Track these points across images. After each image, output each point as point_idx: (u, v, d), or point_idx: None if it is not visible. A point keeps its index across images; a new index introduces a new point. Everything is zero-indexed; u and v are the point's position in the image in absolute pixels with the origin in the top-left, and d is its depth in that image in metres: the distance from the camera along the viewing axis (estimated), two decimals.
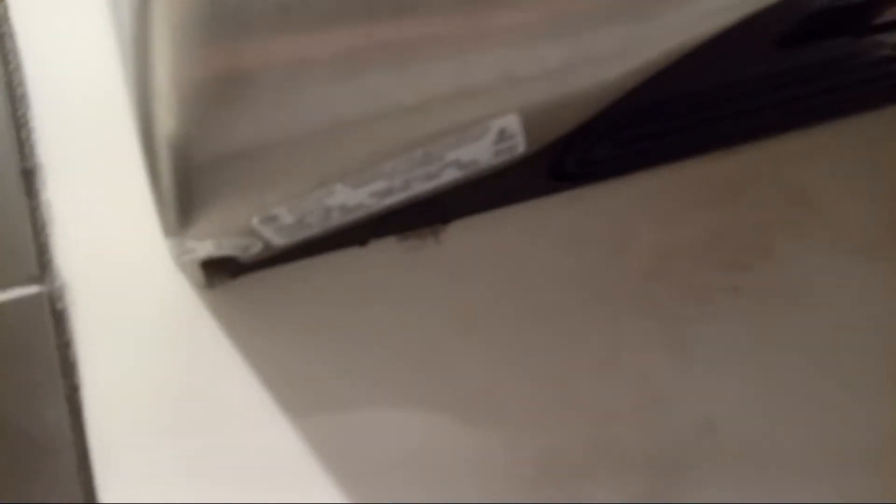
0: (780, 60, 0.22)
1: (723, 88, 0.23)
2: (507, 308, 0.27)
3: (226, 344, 0.25)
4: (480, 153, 0.21)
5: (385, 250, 0.27)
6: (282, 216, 0.21)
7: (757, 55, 0.22)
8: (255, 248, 0.22)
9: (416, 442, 0.24)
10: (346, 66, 0.18)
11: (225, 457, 0.23)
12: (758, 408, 0.26)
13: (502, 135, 0.21)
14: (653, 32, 0.19)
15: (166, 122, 0.18)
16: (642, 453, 0.25)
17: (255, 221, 0.21)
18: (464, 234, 0.27)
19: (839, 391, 0.27)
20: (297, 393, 0.24)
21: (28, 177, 0.26)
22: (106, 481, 0.22)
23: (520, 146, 0.21)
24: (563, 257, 0.27)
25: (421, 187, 0.22)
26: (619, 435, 0.25)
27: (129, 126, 0.19)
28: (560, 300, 0.27)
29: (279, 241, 0.22)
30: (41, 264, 0.25)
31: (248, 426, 0.24)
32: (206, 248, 0.21)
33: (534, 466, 0.24)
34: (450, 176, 0.22)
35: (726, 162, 0.29)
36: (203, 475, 0.23)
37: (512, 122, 0.20)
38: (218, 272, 0.24)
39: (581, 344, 0.26)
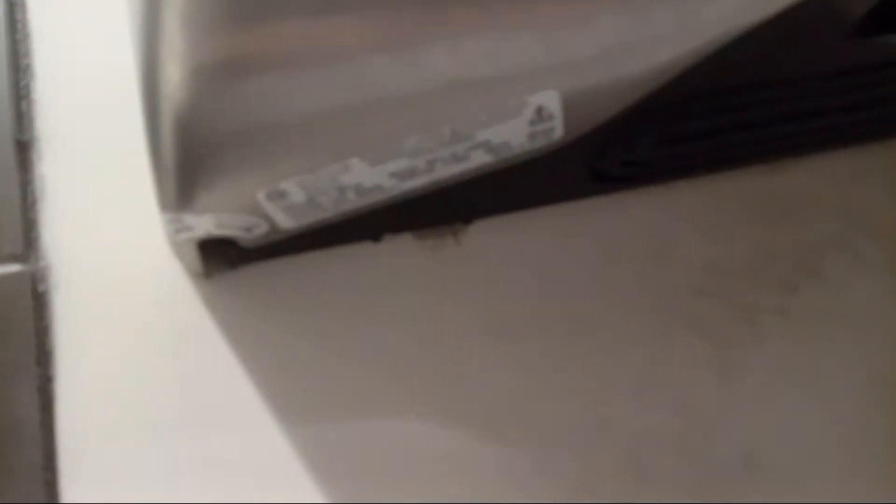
0: (848, 53, 0.20)
1: (777, 85, 0.21)
2: (533, 318, 0.24)
3: (221, 340, 0.22)
4: (514, 134, 0.19)
5: (400, 248, 0.24)
6: (291, 193, 0.19)
7: (826, 45, 0.20)
8: (260, 230, 0.20)
9: (424, 455, 0.22)
10: (365, 45, 0.16)
11: (209, 461, 0.21)
12: (805, 439, 0.23)
13: (540, 114, 0.19)
14: (706, 14, 0.17)
15: (174, 94, 0.16)
16: (679, 482, 0.23)
17: (261, 196, 0.18)
18: (487, 235, 0.25)
19: (894, 423, 0.24)
20: (294, 397, 0.22)
21: (23, 149, 0.24)
22: (72, 482, 0.19)
23: (557, 130, 0.19)
24: (599, 266, 0.25)
25: (446, 171, 0.20)
26: (654, 462, 0.23)
27: (133, 107, 0.18)
28: (594, 313, 0.24)
29: (287, 223, 0.20)
30: (27, 242, 0.23)
31: (238, 429, 0.21)
32: (205, 226, 0.19)
33: (560, 490, 0.22)
34: (479, 160, 0.20)
35: (778, 176, 0.27)
36: (184, 479, 0.20)
37: (552, 100, 0.18)
38: (217, 259, 0.22)
39: (617, 361, 0.24)
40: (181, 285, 0.23)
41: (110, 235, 0.24)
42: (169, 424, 0.21)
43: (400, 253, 0.24)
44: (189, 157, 0.17)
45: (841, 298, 0.26)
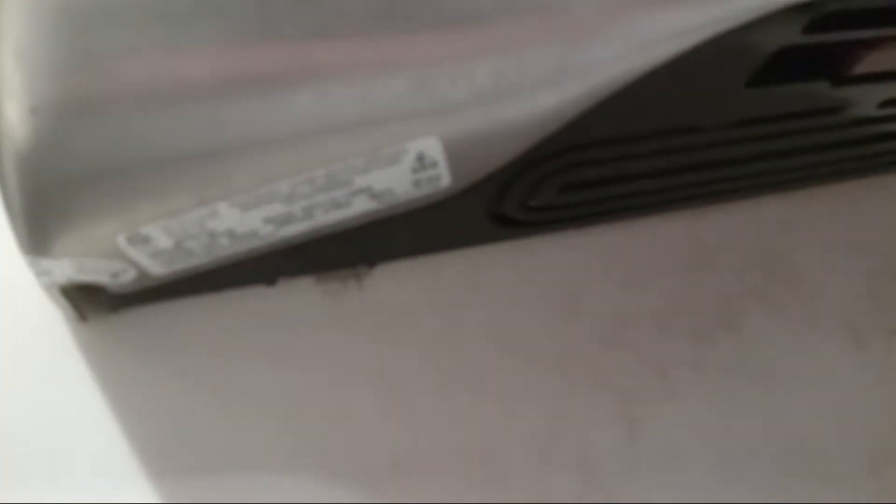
0: (749, 102, 0.20)
1: (680, 134, 0.21)
2: (435, 369, 0.23)
3: (95, 386, 0.21)
4: (397, 181, 0.18)
5: (297, 292, 0.23)
6: (156, 238, 0.18)
7: (724, 93, 0.19)
8: (128, 276, 0.19)
9: None
10: (220, 85, 0.15)
11: None
12: (708, 499, 0.22)
13: (422, 161, 0.18)
14: (592, 57, 0.16)
15: (13, 135, 0.15)
16: None
17: (121, 241, 0.17)
18: (392, 280, 0.24)
19: (803, 488, 0.23)
20: (168, 448, 0.21)
21: None
22: None
23: (444, 178, 0.18)
24: (505, 315, 0.24)
25: (327, 217, 0.19)
26: None
27: None
28: (497, 364, 0.23)
29: (158, 269, 0.19)
30: None
31: (105, 481, 0.20)
32: (66, 271, 0.18)
33: None
34: (362, 206, 0.19)
35: (700, 222, 0.26)
36: None
37: (433, 147, 0.18)
38: (92, 303, 0.21)
39: (516, 416, 0.23)
40: (54, 327, 0.21)
41: None
42: (36, 473, 0.20)
43: (296, 297, 0.23)
44: (35, 199, 0.16)
45: (757, 352, 0.25)
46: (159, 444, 0.21)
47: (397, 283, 0.24)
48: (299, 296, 0.23)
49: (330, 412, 0.22)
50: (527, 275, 0.25)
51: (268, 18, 0.15)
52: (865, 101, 0.22)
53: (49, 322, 0.21)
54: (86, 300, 0.20)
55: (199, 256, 0.19)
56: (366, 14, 0.16)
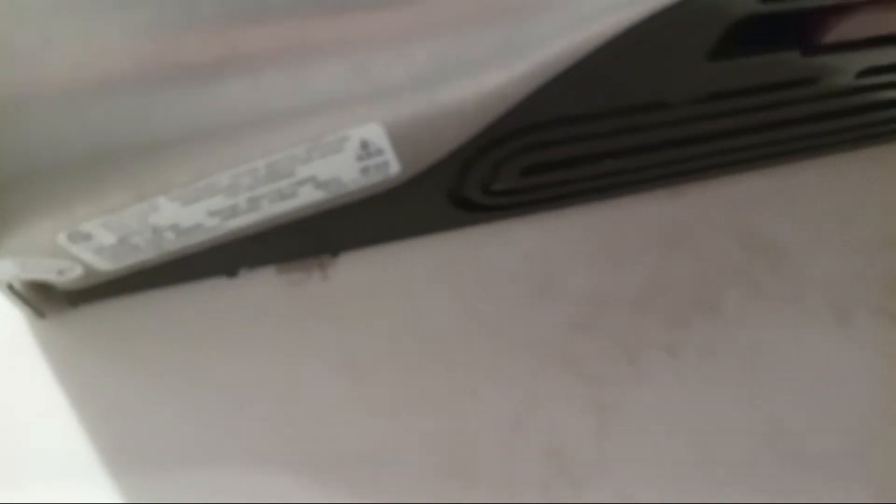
0: (714, 76, 0.19)
1: (643, 111, 0.20)
2: (402, 357, 0.23)
3: (54, 385, 0.21)
4: (343, 170, 0.18)
5: (260, 283, 0.23)
6: (97, 235, 0.17)
7: (684, 67, 0.18)
8: (74, 273, 0.18)
9: None
10: (146, 75, 0.15)
11: None
12: (683, 489, 0.22)
13: (366, 148, 0.17)
14: (535, 33, 0.15)
15: None
16: None
17: (62, 239, 0.17)
18: (356, 269, 0.23)
19: (786, 472, 0.22)
20: (127, 443, 0.20)
21: None
22: None
23: (392, 164, 0.18)
24: (473, 301, 0.24)
25: (274, 208, 0.18)
26: None
27: None
28: (466, 351, 0.23)
29: (104, 265, 0.19)
30: None
31: (65, 477, 0.20)
32: (8, 270, 0.17)
33: None
34: (309, 196, 0.18)
35: (677, 201, 0.25)
36: None
37: (376, 134, 0.17)
38: (48, 299, 0.20)
39: (485, 403, 0.22)
40: (13, 323, 0.21)
41: None
42: None
43: (260, 288, 0.23)
44: None
45: (734, 334, 0.24)
46: (120, 440, 0.21)
47: (362, 271, 0.23)
48: (262, 287, 0.23)
49: (296, 403, 0.22)
50: (497, 259, 0.24)
51: (191, 4, 0.15)
52: (843, 70, 0.21)
53: (6, 319, 0.21)
54: (41, 297, 0.20)
55: (146, 251, 0.18)
56: None
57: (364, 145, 0.17)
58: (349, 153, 0.17)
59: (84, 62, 0.14)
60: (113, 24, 0.14)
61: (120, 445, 0.21)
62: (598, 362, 0.23)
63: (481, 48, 0.16)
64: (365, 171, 0.18)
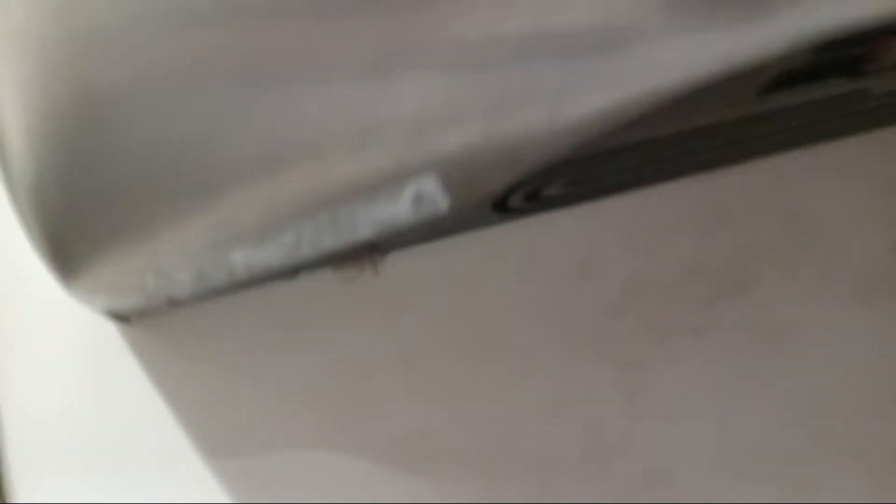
0: (762, 103, 0.19)
1: (696, 132, 0.20)
2: (449, 345, 0.25)
3: (146, 381, 0.24)
4: (398, 213, 0.19)
5: (319, 282, 0.25)
6: (177, 274, 0.19)
7: (734, 104, 0.18)
8: (158, 301, 0.20)
9: (341, 491, 0.23)
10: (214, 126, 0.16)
11: (143, 497, 0.23)
12: (717, 464, 0.24)
13: (420, 196, 0.18)
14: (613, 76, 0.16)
15: (21, 172, 0.16)
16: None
17: (148, 279, 0.19)
18: (406, 264, 0.25)
19: (815, 451, 0.24)
20: (216, 433, 0.23)
21: None
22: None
23: (442, 203, 0.19)
24: (514, 289, 0.25)
25: (335, 242, 0.20)
26: (561, 487, 0.24)
27: None
28: (508, 337, 0.25)
29: (184, 293, 0.20)
30: None
31: (166, 465, 0.23)
32: (103, 303, 0.20)
33: None
34: (367, 232, 0.20)
35: (716, 180, 0.26)
36: None
37: (430, 183, 0.18)
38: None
39: (528, 387, 0.25)
40: (103, 325, 0.23)
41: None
42: (102, 465, 0.23)
43: (319, 286, 0.25)
44: (54, 240, 0.17)
45: (765, 314, 0.25)
46: (204, 429, 0.23)
47: (411, 266, 0.25)
48: (320, 285, 0.25)
49: (355, 391, 0.24)
50: (535, 248, 0.25)
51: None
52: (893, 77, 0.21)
53: (96, 327, 0.23)
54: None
55: (220, 281, 0.20)
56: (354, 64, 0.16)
57: (419, 194, 0.18)
58: (405, 201, 0.18)
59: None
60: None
61: (205, 434, 0.24)
62: (626, 345, 0.25)
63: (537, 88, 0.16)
64: (418, 213, 0.19)
